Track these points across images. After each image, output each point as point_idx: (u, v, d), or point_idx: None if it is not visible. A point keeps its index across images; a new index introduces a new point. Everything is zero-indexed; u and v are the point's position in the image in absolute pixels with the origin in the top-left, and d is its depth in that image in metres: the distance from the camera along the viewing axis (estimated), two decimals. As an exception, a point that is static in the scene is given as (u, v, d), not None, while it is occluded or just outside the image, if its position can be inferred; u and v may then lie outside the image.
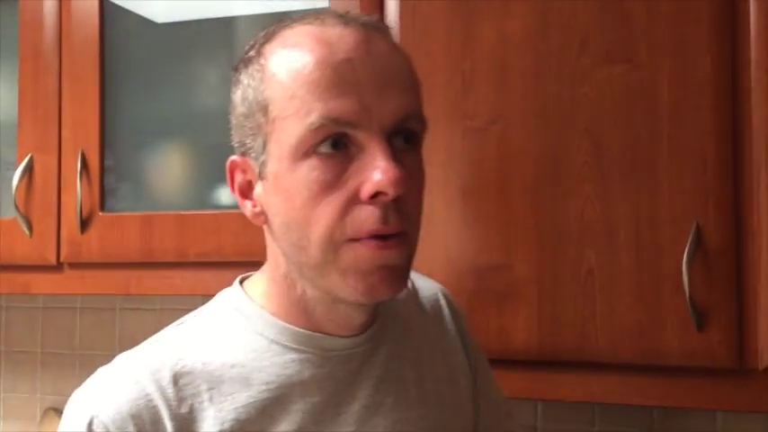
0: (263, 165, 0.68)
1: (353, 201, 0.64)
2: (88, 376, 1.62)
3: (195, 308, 1.55)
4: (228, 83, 1.31)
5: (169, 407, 0.66)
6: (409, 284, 0.85)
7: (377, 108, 0.64)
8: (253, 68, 0.69)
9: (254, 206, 0.71)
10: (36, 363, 1.67)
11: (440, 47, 1.09)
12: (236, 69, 0.72)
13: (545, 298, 1.03)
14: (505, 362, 1.04)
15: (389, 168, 0.62)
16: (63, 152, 1.29)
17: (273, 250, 0.73)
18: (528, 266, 1.04)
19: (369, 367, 0.74)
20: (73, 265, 1.29)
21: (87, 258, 1.27)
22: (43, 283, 1.31)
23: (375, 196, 0.64)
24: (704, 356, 0.97)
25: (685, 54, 0.99)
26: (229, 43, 1.29)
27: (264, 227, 0.73)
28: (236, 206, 1.21)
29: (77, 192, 1.25)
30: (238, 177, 0.72)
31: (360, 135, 0.64)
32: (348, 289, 0.66)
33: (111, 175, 1.27)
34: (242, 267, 1.19)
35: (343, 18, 0.68)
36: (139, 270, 1.25)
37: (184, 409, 0.66)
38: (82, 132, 1.27)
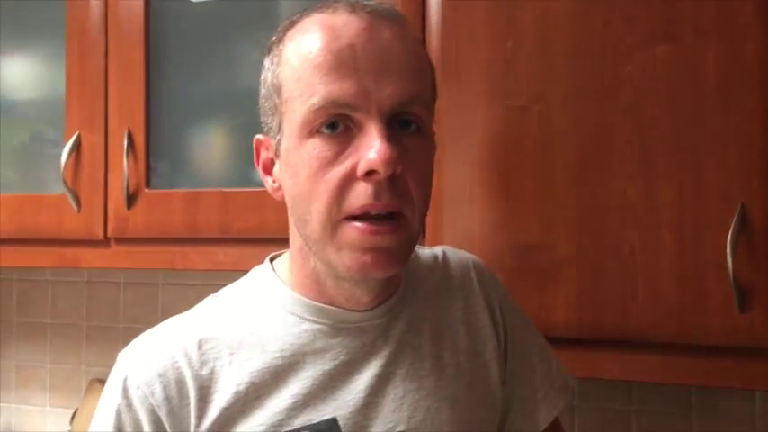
0: (278, 143, 0.73)
1: (350, 178, 0.68)
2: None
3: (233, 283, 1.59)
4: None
5: (192, 368, 0.73)
6: (439, 257, 0.88)
7: (375, 92, 0.68)
8: (273, 54, 0.74)
9: (274, 182, 0.77)
10: (81, 336, 1.71)
11: (482, 27, 1.10)
12: (263, 53, 0.77)
13: (585, 277, 1.04)
14: (548, 339, 1.05)
15: (382, 149, 0.66)
16: (109, 131, 1.32)
17: (291, 225, 0.78)
18: (569, 245, 1.05)
19: (384, 340, 0.78)
20: (119, 240, 1.33)
21: (133, 234, 1.30)
22: (91, 257, 1.34)
23: (369, 174, 0.67)
24: (746, 336, 0.97)
25: (731, 34, 0.98)
26: (272, 22, 1.30)
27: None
28: (278, 184, 1.24)
29: (124, 169, 1.28)
30: (263, 155, 0.78)
31: (359, 117, 0.68)
32: (343, 265, 0.70)
33: (156, 152, 1.30)
34: (284, 244, 1.22)
35: (353, 6, 0.71)
36: (184, 246, 1.28)
37: (206, 371, 0.73)
38: (127, 111, 1.30)
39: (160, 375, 0.73)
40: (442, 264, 0.88)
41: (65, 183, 1.32)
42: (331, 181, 0.68)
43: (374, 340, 0.77)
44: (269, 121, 0.75)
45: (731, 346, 0.99)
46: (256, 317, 0.77)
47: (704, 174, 0.99)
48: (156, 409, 0.72)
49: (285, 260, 0.81)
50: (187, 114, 1.32)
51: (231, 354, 0.74)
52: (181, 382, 0.73)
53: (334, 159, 0.68)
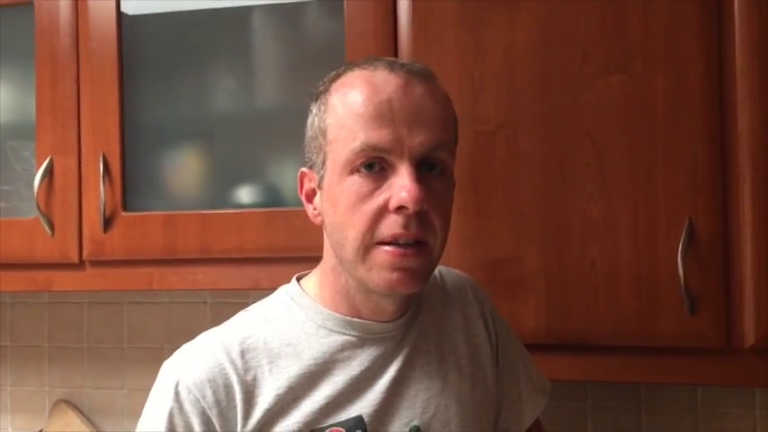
0: (321, 177, 0.84)
1: (384, 210, 0.80)
2: (98, 368, 1.70)
3: (202, 302, 1.62)
4: (244, 86, 1.38)
5: (237, 374, 0.82)
6: (437, 276, 0.99)
7: (408, 139, 0.79)
8: (320, 101, 0.85)
9: (314, 209, 0.87)
10: (43, 357, 1.70)
11: (451, 56, 1.18)
12: (311, 100, 0.87)
13: (552, 288, 1.13)
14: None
15: (412, 189, 0.78)
16: (83, 154, 1.33)
17: (326, 247, 0.88)
18: (536, 259, 1.14)
19: (400, 347, 0.89)
20: (95, 263, 1.34)
21: (110, 256, 1.32)
22: (65, 281, 1.36)
23: (400, 209, 0.79)
24: (696, 338, 1.08)
25: (677, 66, 1.09)
26: (244, 49, 1.35)
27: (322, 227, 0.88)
28: (255, 205, 1.30)
29: (100, 192, 1.30)
30: (306, 185, 0.88)
31: (393, 159, 0.79)
32: (373, 282, 0.82)
33: (131, 176, 1.32)
34: (263, 263, 1.27)
35: (392, 65, 0.82)
36: (162, 267, 1.32)
37: (249, 377, 0.82)
38: (102, 136, 1.32)
39: (210, 380, 0.80)
40: (440, 281, 0.98)
41: (38, 207, 1.33)
42: (367, 212, 0.79)
43: (393, 348, 0.88)
44: (314, 158, 0.85)
45: (683, 347, 1.10)
46: (289, 329, 0.86)
47: (656, 193, 1.10)
48: (207, 410, 0.80)
49: (313, 278, 0.90)
50: (162, 138, 1.35)
51: (270, 362, 0.83)
52: (228, 387, 0.81)
53: (369, 194, 0.80)
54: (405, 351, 0.88)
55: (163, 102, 1.35)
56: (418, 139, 0.79)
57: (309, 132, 0.86)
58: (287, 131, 1.33)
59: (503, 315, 1.13)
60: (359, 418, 0.82)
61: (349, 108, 0.80)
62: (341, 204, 0.81)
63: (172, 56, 1.35)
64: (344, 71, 0.85)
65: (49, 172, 1.34)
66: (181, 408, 0.80)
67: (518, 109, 1.15)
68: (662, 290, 1.09)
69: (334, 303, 0.87)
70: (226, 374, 0.81)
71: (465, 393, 0.91)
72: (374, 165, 0.80)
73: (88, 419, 1.65)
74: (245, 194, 1.31)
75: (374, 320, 0.87)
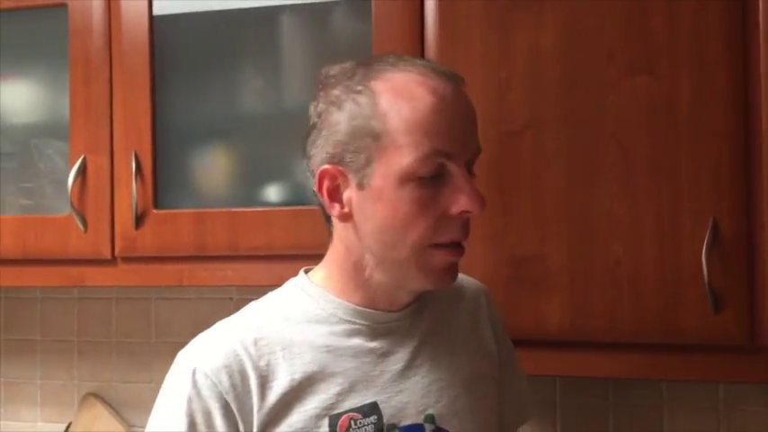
0: (363, 178, 0.84)
1: (443, 216, 0.83)
2: (126, 363, 1.73)
3: (228, 298, 1.64)
4: (272, 86, 1.41)
5: (251, 360, 0.84)
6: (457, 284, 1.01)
7: (463, 146, 0.83)
8: (360, 99, 0.83)
9: (342, 207, 0.87)
10: (73, 351, 1.74)
11: (478, 57, 1.20)
12: (325, 89, 0.87)
13: (576, 285, 1.15)
14: (541, 342, 1.17)
15: (475, 193, 0.83)
16: (115, 153, 1.36)
17: (348, 242, 0.88)
18: (561, 257, 1.16)
19: (409, 337, 0.91)
20: (127, 259, 1.37)
21: (142, 253, 1.35)
22: (97, 276, 1.39)
23: (461, 213, 0.83)
24: (720, 335, 1.10)
25: (702, 67, 1.11)
26: (272, 48, 1.37)
27: (341, 224, 0.88)
28: (283, 203, 1.33)
29: (132, 190, 1.33)
30: (327, 183, 0.87)
31: (451, 165, 0.82)
32: (421, 281, 0.86)
33: (163, 174, 1.35)
34: (291, 260, 1.30)
35: (435, 70, 0.84)
36: (192, 263, 1.34)
37: (263, 363, 0.84)
38: (134, 134, 1.35)
39: (225, 366, 0.83)
40: (458, 284, 0.99)
41: (71, 204, 1.36)
42: (429, 218, 0.83)
43: (403, 337, 0.91)
44: (349, 157, 0.84)
45: (707, 344, 1.11)
46: (302, 318, 0.89)
47: (680, 192, 1.11)
48: (225, 395, 0.82)
49: (320, 272, 0.93)
50: (192, 137, 1.38)
51: (284, 349, 0.86)
52: (243, 372, 0.83)
53: (431, 200, 0.83)
54: (414, 341, 0.91)
55: (193, 101, 1.38)
56: (470, 145, 0.85)
57: (344, 129, 0.84)
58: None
59: (527, 312, 1.17)
60: (374, 404, 0.85)
61: (412, 115, 0.81)
62: (399, 209, 0.83)
63: (202, 56, 1.38)
64: (384, 70, 0.84)
65: (83, 170, 1.37)
66: (199, 394, 0.82)
67: (543, 109, 1.17)
68: (686, 288, 1.11)
69: (345, 294, 0.89)
70: (240, 360, 0.83)
71: (472, 386, 0.94)
72: (438, 173, 0.82)
73: (116, 413, 1.69)
74: (272, 193, 1.33)
75: (383, 310, 0.89)
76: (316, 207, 1.25)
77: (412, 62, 0.86)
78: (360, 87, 0.84)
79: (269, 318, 0.89)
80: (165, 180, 1.36)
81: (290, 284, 0.94)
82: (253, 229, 1.30)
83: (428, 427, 0.88)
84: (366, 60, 0.88)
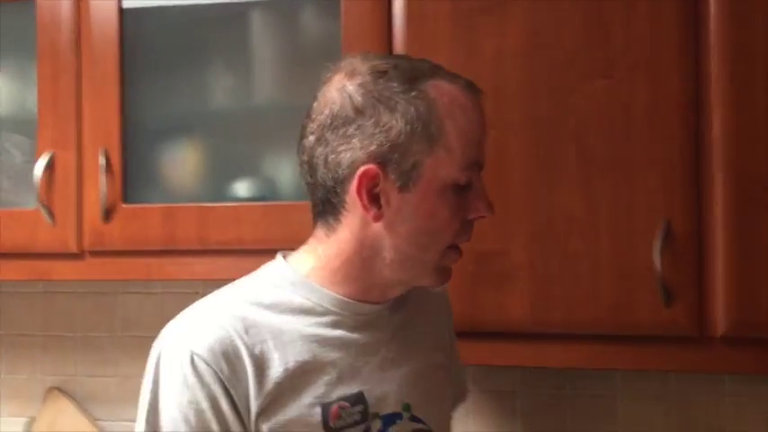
0: (408, 181, 0.85)
1: (465, 221, 0.90)
2: (91, 357, 1.73)
3: (195, 292, 1.66)
4: (242, 82, 1.42)
5: (246, 347, 0.84)
6: None
7: (484, 154, 0.92)
8: (419, 103, 0.85)
9: (380, 208, 0.86)
10: (37, 345, 1.73)
11: (444, 59, 1.19)
12: (363, 84, 0.86)
13: (537, 280, 1.20)
14: (502, 334, 1.22)
15: (489, 199, 0.91)
16: (83, 148, 1.37)
17: (365, 238, 0.88)
18: (522, 253, 1.21)
19: (386, 330, 0.95)
20: (94, 253, 1.38)
21: (110, 246, 1.36)
22: (64, 270, 1.39)
23: (476, 218, 0.90)
24: (671, 327, 1.16)
25: (657, 72, 1.16)
26: (243, 46, 1.39)
27: (363, 220, 0.87)
28: (252, 199, 1.35)
29: (101, 185, 1.34)
30: (366, 182, 0.85)
31: (473, 174, 0.89)
32: (431, 279, 0.91)
33: (131, 169, 1.36)
34: (260, 254, 1.32)
35: (475, 88, 0.90)
36: (160, 257, 1.36)
37: (257, 351, 0.85)
38: (103, 129, 1.36)
39: (223, 353, 0.83)
40: None
41: (38, 198, 1.36)
42: (458, 222, 0.89)
43: (380, 329, 0.94)
44: (396, 158, 0.84)
45: (658, 335, 1.17)
46: (287, 308, 0.89)
47: (635, 191, 1.17)
48: (226, 382, 0.82)
49: (306, 259, 0.91)
50: (161, 132, 1.39)
51: (274, 338, 0.86)
52: (240, 359, 0.83)
53: (460, 206, 0.88)
54: (393, 333, 0.95)
55: (162, 96, 1.39)
56: (485, 153, 0.92)
57: (397, 129, 0.83)
58: (284, 127, 1.38)
59: (489, 305, 1.22)
60: (360, 394, 0.88)
61: (466, 127, 0.87)
62: (440, 215, 0.87)
63: (171, 51, 1.39)
64: (432, 77, 0.87)
65: (51, 165, 1.37)
66: (202, 381, 0.81)
67: (507, 110, 1.21)
68: (639, 282, 1.16)
69: (334, 285, 0.89)
70: (236, 347, 0.83)
71: (435, 377, 1.00)
72: (471, 181, 0.89)
73: (81, 407, 1.69)
74: (242, 188, 1.35)
75: (369, 303, 0.91)
76: (285, 203, 1.31)
77: (448, 73, 0.89)
78: (414, 92, 0.85)
79: (252, 306, 0.88)
80: (133, 175, 1.37)
81: (270, 271, 0.93)
82: (222, 223, 1.32)
83: (405, 415, 0.92)
84: (398, 62, 0.89)
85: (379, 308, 0.93)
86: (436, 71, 0.89)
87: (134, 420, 1.69)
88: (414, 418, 0.93)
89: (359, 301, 0.91)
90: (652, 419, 1.46)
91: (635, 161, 1.17)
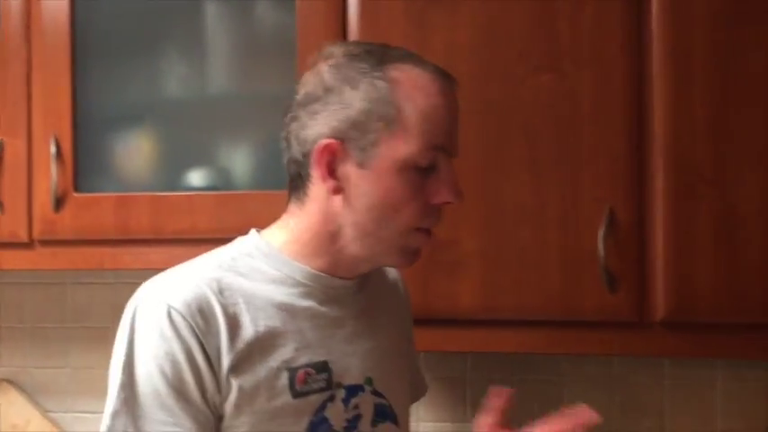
0: (367, 158, 0.89)
1: (428, 204, 0.91)
2: (41, 348, 1.72)
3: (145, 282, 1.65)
4: (196, 72, 1.43)
5: (221, 306, 0.87)
6: None
7: (454, 143, 0.92)
8: (379, 84, 0.88)
9: (338, 181, 0.90)
10: (-17, 337, 1.71)
11: (398, 51, 1.26)
12: (336, 65, 0.90)
13: (487, 267, 1.24)
14: (454, 321, 1.25)
15: (456, 186, 0.92)
16: (33, 135, 1.35)
17: (329, 212, 0.92)
18: (473, 241, 1.24)
19: (354, 306, 0.98)
20: (45, 243, 1.37)
21: (61, 236, 1.35)
22: (14, 259, 1.38)
23: (442, 203, 0.91)
24: (614, 313, 1.21)
25: (602, 67, 1.21)
26: (197, 35, 1.39)
27: (320, 194, 0.91)
28: (206, 188, 1.35)
29: (52, 173, 1.33)
30: (326, 156, 0.89)
31: (441, 159, 0.90)
32: (393, 258, 0.94)
33: (83, 158, 1.35)
34: (215, 243, 1.33)
35: (442, 72, 0.92)
36: (114, 246, 1.35)
37: (230, 311, 0.88)
38: (53, 117, 1.35)
39: (200, 309, 0.86)
40: (381, 269, 1.08)
41: (-14, 186, 1.35)
42: (419, 203, 0.90)
43: (349, 305, 0.96)
44: (356, 135, 0.88)
45: (602, 321, 1.22)
46: (259, 276, 0.92)
47: (581, 182, 1.21)
48: (201, 336, 0.85)
49: (280, 234, 0.95)
50: (114, 121, 1.38)
51: (246, 302, 0.89)
52: (214, 316, 0.86)
53: (421, 188, 0.90)
54: (358, 310, 0.97)
55: (115, 84, 1.38)
56: (455, 141, 0.93)
57: (357, 108, 0.88)
58: (238, 118, 1.39)
59: (442, 293, 1.24)
60: (325, 363, 0.91)
61: (426, 110, 0.89)
62: (396, 192, 0.89)
63: (125, 39, 1.39)
64: (401, 61, 0.90)
65: (0, 152, 1.35)
66: (178, 333, 0.84)
67: (460, 102, 1.24)
68: (585, 270, 1.21)
69: (306, 258, 0.93)
70: (211, 305, 0.86)
71: (396, 357, 1.03)
72: (432, 164, 0.90)
73: (32, 398, 1.67)
74: (196, 178, 1.36)
75: (338, 277, 0.94)
76: (240, 192, 1.32)
77: (420, 60, 0.92)
78: (378, 73, 0.89)
79: (228, 271, 0.91)
80: (85, 163, 1.36)
81: (243, 243, 0.96)
82: (176, 212, 1.32)
83: (367, 388, 0.95)
84: (372, 47, 0.92)
85: (348, 284, 0.96)
86: (408, 57, 0.92)
87: (86, 412, 1.70)
88: (375, 392, 0.96)
89: (329, 274, 0.94)
90: (596, 402, 1.50)
91: (581, 152, 1.22)
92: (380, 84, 0.88)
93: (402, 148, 0.88)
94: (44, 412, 1.67)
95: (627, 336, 1.23)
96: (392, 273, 1.11)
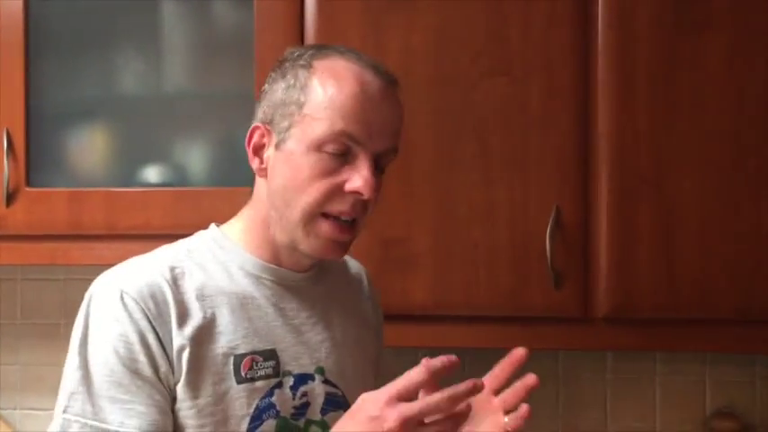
0: (282, 140, 0.92)
1: (338, 190, 0.91)
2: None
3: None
4: (152, 69, 1.43)
5: (172, 292, 0.90)
6: (343, 260, 1.11)
7: (376, 138, 0.91)
8: (301, 72, 0.92)
9: (261, 163, 0.94)
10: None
11: (354, 52, 1.28)
12: (281, 64, 0.95)
13: (439, 265, 1.27)
14: (407, 317, 1.28)
15: (371, 180, 0.91)
16: (-16, 129, 1.34)
17: (261, 198, 0.96)
18: (425, 239, 1.28)
19: (308, 299, 1.00)
20: (-5, 237, 1.36)
21: (13, 231, 1.34)
22: (-37, 255, 1.36)
23: (353, 193, 0.90)
24: (559, 309, 1.26)
25: (550, 72, 1.26)
26: (152, 32, 1.39)
27: (260, 179, 0.96)
28: (162, 184, 1.36)
29: (4, 167, 1.32)
30: (256, 139, 0.94)
31: (357, 150, 0.91)
32: (308, 246, 0.94)
33: (36, 152, 1.34)
34: (170, 239, 1.33)
35: (376, 67, 0.93)
36: (66, 242, 1.35)
37: (180, 298, 0.90)
38: (6, 111, 1.33)
39: (151, 295, 0.88)
40: (343, 264, 1.10)
41: (-66, 180, 1.32)
42: (324, 187, 0.91)
43: (302, 297, 0.99)
44: (277, 119, 0.92)
45: (549, 316, 1.27)
46: (213, 267, 0.95)
47: (529, 182, 1.26)
48: (152, 320, 0.87)
49: (237, 225, 0.99)
50: (68, 116, 1.38)
51: (197, 290, 0.92)
52: (165, 302, 0.89)
53: (330, 173, 0.90)
54: (311, 302, 1.00)
55: (70, 80, 1.37)
56: (383, 141, 0.92)
57: (279, 96, 0.92)
58: (193, 115, 1.40)
59: (394, 289, 1.27)
60: (273, 351, 0.93)
61: (335, 95, 0.90)
62: (302, 173, 0.90)
63: (80, 34, 1.38)
64: (329, 54, 0.93)
65: (-52, 145, 1.33)
66: (130, 316, 0.86)
67: (414, 103, 1.24)
68: (532, 267, 1.26)
69: (259, 250, 0.96)
70: (162, 290, 0.89)
71: (355, 350, 1.04)
72: (341, 151, 0.90)
73: (-22, 395, 1.65)
74: (152, 174, 1.36)
75: (288, 269, 0.97)
76: (196, 188, 1.33)
77: (358, 56, 0.94)
78: (303, 63, 0.93)
79: (183, 261, 0.94)
80: (38, 158, 1.35)
81: (202, 236, 0.99)
82: (131, 208, 1.32)
83: (318, 377, 0.97)
84: (322, 46, 0.97)
85: (302, 276, 0.99)
86: (347, 52, 0.94)
87: (36, 409, 1.68)
88: (326, 382, 0.98)
89: (277, 266, 0.96)
90: (543, 396, 1.57)
91: (529, 154, 1.26)
92: (302, 72, 0.92)
93: (309, 131, 0.90)
94: (-6, 409, 1.65)
95: (572, 331, 1.28)
96: (354, 266, 1.13)
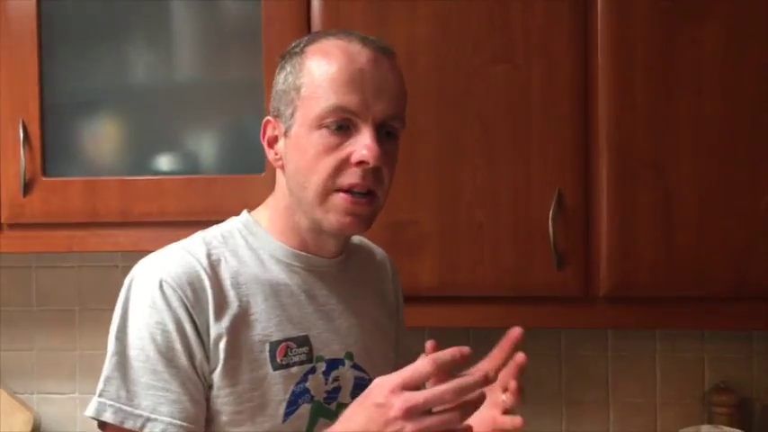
0: (289, 127, 0.95)
1: (344, 163, 0.92)
2: (6, 331, 1.74)
3: (114, 265, 1.67)
4: (164, 58, 1.46)
5: (210, 280, 0.92)
6: (363, 242, 1.15)
7: (373, 106, 0.92)
8: (295, 60, 0.95)
9: (276, 154, 0.97)
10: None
11: (359, 41, 1.32)
12: (282, 57, 0.97)
13: (445, 247, 1.32)
14: (413, 298, 1.32)
15: (373, 147, 0.91)
16: (1, 121, 1.38)
17: (282, 187, 0.99)
18: (431, 222, 1.32)
19: (336, 284, 1.02)
20: (14, 226, 1.39)
21: (30, 219, 1.38)
22: (-19, 243, 1.40)
23: (360, 163, 0.92)
24: (562, 288, 1.30)
25: (551, 59, 1.29)
26: (163, 23, 1.43)
27: (279, 170, 0.99)
28: (175, 172, 1.39)
29: (20, 158, 1.35)
30: (269, 132, 0.97)
31: (358, 121, 0.92)
32: (328, 223, 0.95)
33: (51, 142, 1.38)
34: (183, 226, 1.38)
35: (364, 40, 0.94)
36: (82, 229, 1.39)
37: (218, 286, 0.93)
38: (21, 102, 1.37)
39: (190, 283, 0.90)
40: (366, 247, 1.14)
41: (-45, 171, 1.36)
42: (331, 162, 0.92)
43: (331, 283, 1.01)
44: (282, 109, 0.95)
45: (551, 296, 1.31)
46: (246, 254, 0.97)
47: (532, 165, 1.30)
48: (190, 308, 0.89)
49: (264, 213, 1.01)
50: (82, 106, 1.41)
51: (232, 277, 0.94)
52: (203, 290, 0.91)
53: (335, 148, 0.92)
54: (340, 288, 1.02)
55: (83, 71, 1.41)
56: (381, 107, 0.92)
57: (281, 86, 0.96)
58: (204, 103, 1.44)
59: (403, 272, 1.30)
60: (306, 337, 0.96)
61: (325, 72, 0.92)
62: (308, 153, 0.92)
63: (92, 26, 1.41)
64: (320, 38, 0.96)
65: (-34, 137, 1.37)
66: (169, 304, 0.88)
67: (418, 91, 1.29)
68: (535, 248, 1.30)
69: (285, 237, 0.98)
70: (200, 278, 0.91)
71: (378, 333, 1.08)
72: (341, 124, 0.91)
73: (-2, 380, 1.69)
74: (164, 162, 1.40)
75: (316, 255, 0.99)
76: (207, 176, 1.37)
77: (348, 33, 0.95)
78: (297, 50, 0.96)
79: (218, 248, 0.96)
80: (53, 149, 1.39)
81: (235, 222, 1.01)
82: (145, 196, 1.36)
83: (347, 362, 1.00)
84: (317, 32, 0.99)
85: (330, 262, 1.01)
86: (339, 33, 0.95)
87: (52, 393, 1.72)
88: (355, 366, 1.01)
89: (306, 253, 0.99)
90: (546, 374, 1.62)
91: (532, 138, 1.30)
92: (297, 59, 0.95)
93: (309, 111, 0.92)
94: (12, 393, 1.69)
95: (574, 310, 1.32)
96: (380, 253, 1.16)
